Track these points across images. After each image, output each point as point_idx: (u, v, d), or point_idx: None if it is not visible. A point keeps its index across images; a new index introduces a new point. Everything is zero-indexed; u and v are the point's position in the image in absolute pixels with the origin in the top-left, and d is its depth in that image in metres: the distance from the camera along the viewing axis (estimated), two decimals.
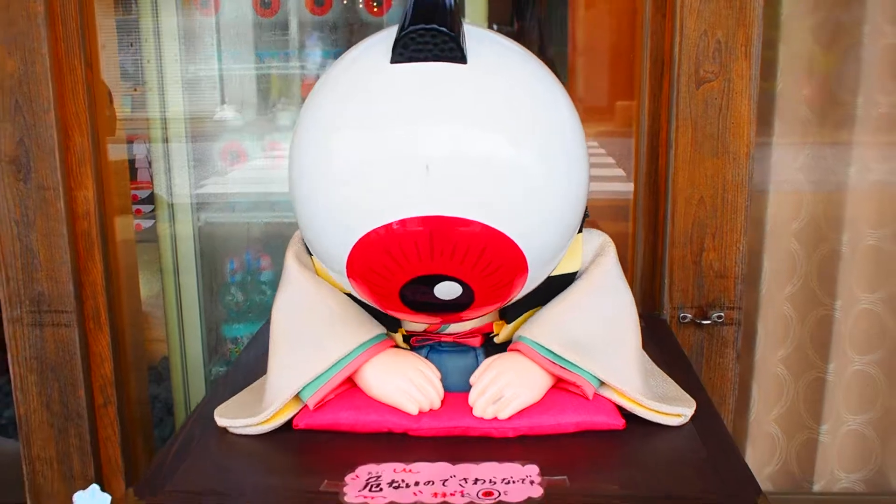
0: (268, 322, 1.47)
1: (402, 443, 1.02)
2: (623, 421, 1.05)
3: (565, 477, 0.94)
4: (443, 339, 1.09)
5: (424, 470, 0.96)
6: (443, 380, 1.06)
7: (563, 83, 1.01)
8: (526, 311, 1.08)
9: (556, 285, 1.07)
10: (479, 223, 0.86)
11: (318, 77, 2.37)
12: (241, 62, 2.38)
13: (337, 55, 2.28)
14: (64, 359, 1.63)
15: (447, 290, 0.91)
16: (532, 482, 0.93)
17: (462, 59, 0.87)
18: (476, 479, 0.93)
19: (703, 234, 1.59)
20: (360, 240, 0.88)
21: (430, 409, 1.04)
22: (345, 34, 2.39)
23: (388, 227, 0.86)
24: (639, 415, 1.06)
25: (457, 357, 1.10)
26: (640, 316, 1.14)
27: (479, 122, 0.87)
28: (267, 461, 1.01)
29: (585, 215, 1.06)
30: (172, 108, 2.16)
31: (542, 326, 1.06)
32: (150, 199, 2.19)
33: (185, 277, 2.19)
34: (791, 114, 1.89)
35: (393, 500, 0.90)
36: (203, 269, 2.21)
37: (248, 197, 2.35)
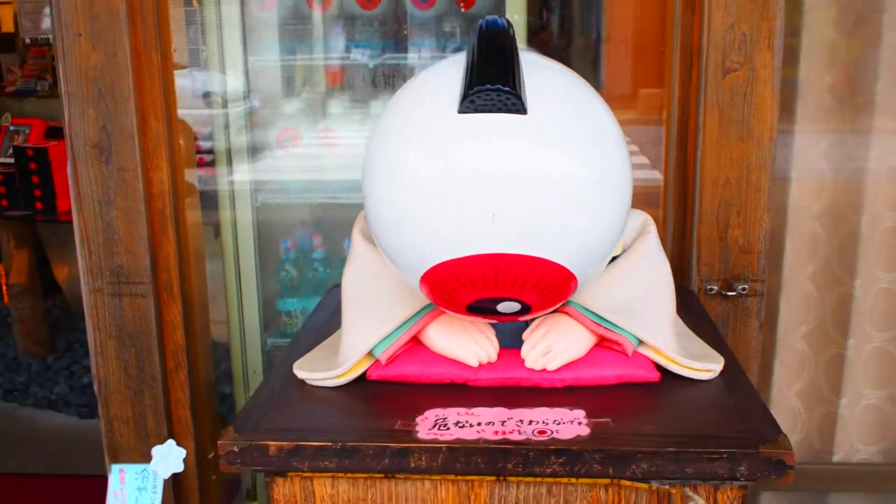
0: (328, 292, 1.61)
1: (462, 392, 1.15)
2: (659, 374, 1.17)
3: (609, 419, 1.07)
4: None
5: (484, 413, 1.09)
6: (496, 337, 1.19)
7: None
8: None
9: None
10: (538, 258, 0.98)
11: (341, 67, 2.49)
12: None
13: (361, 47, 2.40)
14: (140, 326, 1.76)
15: (508, 307, 1.05)
16: (580, 423, 1.06)
17: (523, 110, 0.97)
18: (530, 421, 1.07)
19: (729, 212, 1.70)
20: (432, 268, 1.01)
21: (488, 362, 1.17)
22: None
23: (457, 260, 0.99)
24: (673, 371, 1.18)
25: None
26: None
27: (539, 173, 0.97)
28: (345, 406, 1.15)
29: None
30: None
31: (588, 292, 1.18)
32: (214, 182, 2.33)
33: (243, 255, 2.32)
34: (813, 101, 1.95)
35: (459, 437, 1.03)
36: (259, 247, 2.35)
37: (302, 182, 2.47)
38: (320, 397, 1.17)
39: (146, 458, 1.43)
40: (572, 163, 0.99)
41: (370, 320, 1.19)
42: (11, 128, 3.99)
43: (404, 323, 1.17)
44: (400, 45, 2.49)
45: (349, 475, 1.06)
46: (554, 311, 1.19)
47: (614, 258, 1.22)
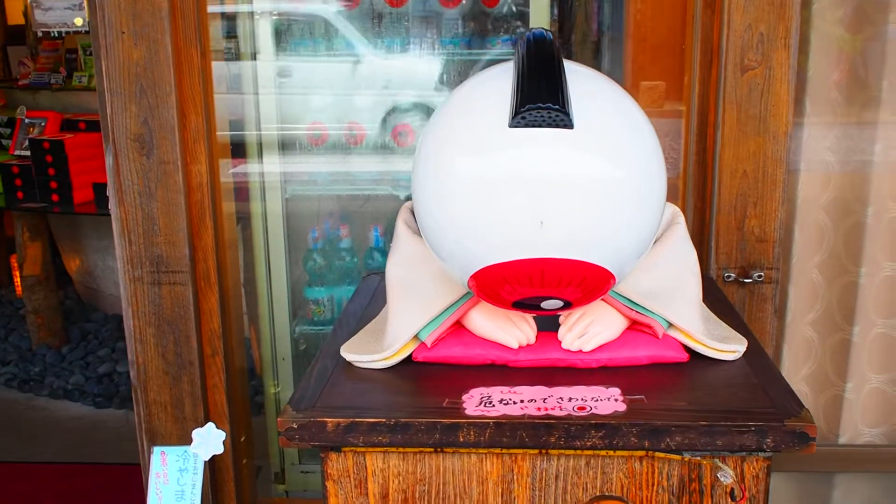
0: (363, 280, 1.68)
1: (503, 372, 1.23)
2: (687, 355, 1.25)
3: (643, 396, 1.14)
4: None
5: (526, 391, 1.16)
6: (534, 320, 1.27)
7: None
8: None
9: None
10: (581, 262, 1.06)
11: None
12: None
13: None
14: (178, 314, 1.83)
15: (551, 304, 1.12)
16: (616, 400, 1.13)
17: (570, 125, 1.04)
18: (570, 398, 1.14)
19: (746, 203, 1.77)
20: (481, 270, 1.08)
21: (527, 345, 1.24)
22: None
23: (506, 263, 1.06)
24: (700, 352, 1.25)
25: None
26: None
27: (585, 182, 1.05)
28: (393, 386, 1.22)
29: None
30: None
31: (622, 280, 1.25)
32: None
33: (273, 244, 2.39)
34: (821, 95, 1.99)
35: (505, 413, 1.10)
36: (289, 237, 2.41)
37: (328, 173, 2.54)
38: (369, 378, 1.24)
39: (183, 441, 1.48)
40: (616, 172, 1.06)
41: (415, 305, 1.26)
42: (27, 120, 4.02)
43: (448, 308, 1.25)
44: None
45: (400, 450, 1.13)
46: None
47: None
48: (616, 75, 2.71)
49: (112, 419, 3.48)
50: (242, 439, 2.05)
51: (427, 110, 2.65)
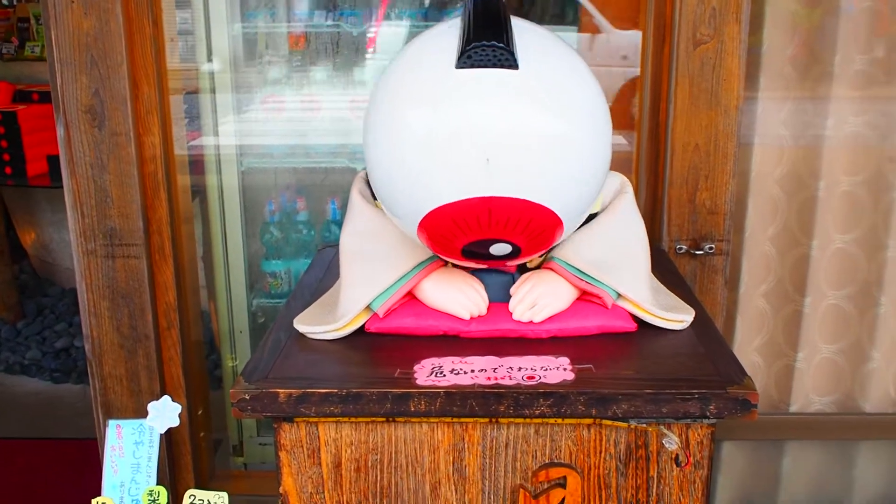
0: (318, 252, 1.68)
1: (455, 343, 1.24)
2: (636, 325, 1.27)
3: (591, 365, 1.16)
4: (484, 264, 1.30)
5: (477, 361, 1.18)
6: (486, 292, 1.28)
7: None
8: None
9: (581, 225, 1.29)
10: (528, 201, 1.07)
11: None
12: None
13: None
14: (133, 287, 1.82)
15: (500, 249, 1.13)
16: (565, 369, 1.15)
17: (515, 66, 1.07)
18: (520, 368, 1.16)
19: (698, 176, 1.79)
20: (430, 212, 1.09)
21: (478, 315, 1.25)
22: None
23: (454, 203, 1.07)
24: (648, 321, 1.28)
25: (496, 275, 1.31)
26: None
27: (530, 121, 1.07)
28: (346, 357, 1.23)
29: None
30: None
31: (570, 249, 1.27)
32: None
33: (230, 217, 2.37)
34: (776, 70, 2.01)
35: (455, 383, 1.12)
36: (245, 210, 2.40)
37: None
38: (322, 349, 1.25)
39: (139, 415, 1.48)
40: (561, 114, 1.09)
41: (368, 276, 1.26)
42: None
43: (401, 278, 1.25)
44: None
45: (352, 420, 1.14)
46: (538, 268, 1.28)
47: (593, 216, 1.31)
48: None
49: (69, 394, 3.46)
50: (200, 412, 2.05)
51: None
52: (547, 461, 1.15)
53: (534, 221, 1.09)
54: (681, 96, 1.74)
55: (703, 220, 1.81)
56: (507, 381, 1.12)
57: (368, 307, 1.26)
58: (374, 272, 1.26)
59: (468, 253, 1.14)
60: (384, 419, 1.14)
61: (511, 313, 1.25)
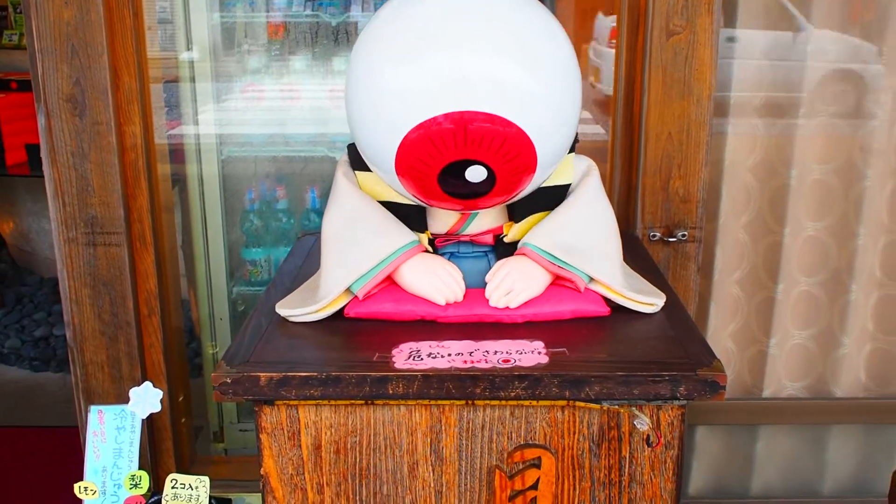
0: (298, 240, 1.70)
1: (432, 328, 1.26)
2: (609, 309, 1.30)
3: (565, 349, 1.19)
4: (462, 238, 1.33)
5: (454, 346, 1.20)
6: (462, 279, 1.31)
7: None
8: (529, 215, 1.33)
9: (553, 194, 1.33)
10: (503, 118, 1.13)
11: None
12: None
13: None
14: (114, 274, 1.83)
15: (476, 174, 1.17)
16: (539, 353, 1.18)
17: None
18: (495, 351, 1.18)
19: (671, 164, 1.83)
20: (410, 132, 1.14)
21: (455, 301, 1.28)
22: None
23: (433, 119, 1.12)
24: (621, 304, 1.31)
25: (472, 261, 1.34)
26: None
27: (504, 41, 1.15)
28: (325, 342, 1.25)
29: (576, 140, 1.31)
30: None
31: (543, 235, 1.30)
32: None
33: (210, 206, 2.39)
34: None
35: (433, 366, 1.14)
36: (226, 199, 2.41)
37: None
38: (302, 334, 1.27)
39: (121, 401, 1.49)
40: (538, 41, 1.18)
41: (349, 259, 1.29)
42: None
43: (381, 262, 1.27)
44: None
45: (332, 402, 1.17)
46: (512, 253, 1.31)
47: (564, 192, 1.35)
48: None
49: (49, 382, 3.46)
50: (181, 399, 2.07)
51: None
52: (522, 442, 1.18)
53: (508, 141, 1.14)
54: (654, 86, 1.78)
55: (676, 207, 1.84)
56: (482, 365, 1.14)
57: (349, 290, 1.28)
58: (354, 256, 1.28)
59: (445, 182, 1.18)
60: (363, 402, 1.17)
61: (487, 299, 1.27)
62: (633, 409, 1.16)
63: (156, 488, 1.46)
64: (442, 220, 1.34)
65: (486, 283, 1.29)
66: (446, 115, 1.12)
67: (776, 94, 2.08)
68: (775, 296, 2.20)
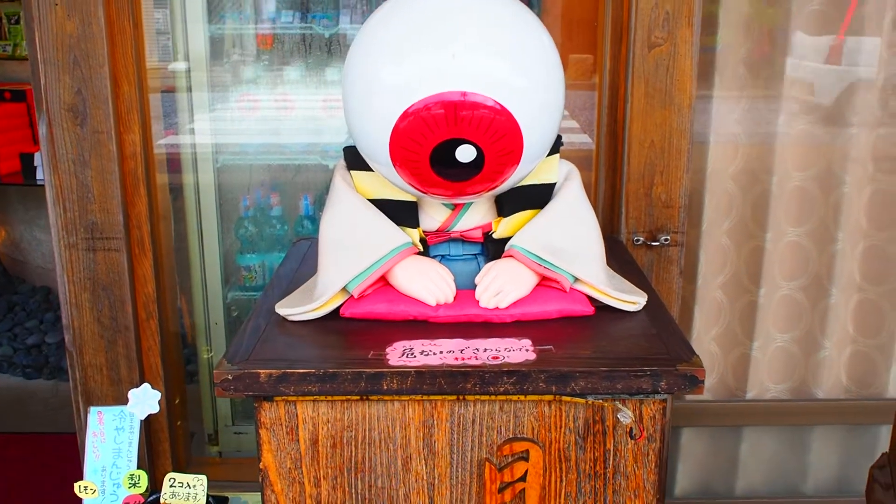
0: (294, 245, 1.75)
1: (425, 327, 1.31)
2: (593, 308, 1.35)
3: (551, 346, 1.24)
4: (452, 235, 1.38)
5: (445, 344, 1.25)
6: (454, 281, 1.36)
7: None
8: (517, 211, 1.38)
9: (540, 192, 1.39)
10: (492, 99, 1.19)
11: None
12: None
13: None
14: (113, 279, 1.88)
15: (465, 154, 1.22)
16: (527, 350, 1.23)
17: None
18: (485, 349, 1.23)
19: (653, 171, 1.89)
20: (401, 116, 1.20)
21: (445, 302, 1.33)
22: None
23: (424, 99, 1.18)
24: (605, 302, 1.36)
25: (463, 264, 1.39)
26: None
27: (492, 32, 1.23)
28: (322, 339, 1.30)
29: (560, 142, 1.37)
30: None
31: (529, 237, 1.35)
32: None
33: (205, 213, 2.43)
34: (729, 71, 2.09)
35: (425, 363, 1.19)
36: (221, 206, 2.46)
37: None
38: (300, 334, 1.32)
39: (119, 403, 1.53)
40: (523, 34, 1.26)
41: (345, 260, 1.34)
42: None
43: (375, 262, 1.32)
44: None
45: (329, 398, 1.21)
46: (501, 252, 1.36)
47: (551, 189, 1.40)
48: None
49: (41, 390, 3.48)
50: (177, 401, 2.11)
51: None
52: (511, 436, 1.23)
53: (496, 121, 1.19)
54: (637, 96, 1.84)
55: (659, 213, 1.89)
56: (473, 361, 1.19)
57: (344, 289, 1.33)
58: (350, 256, 1.33)
59: (437, 161, 1.22)
60: (358, 397, 1.21)
61: (477, 300, 1.32)
62: (617, 403, 1.20)
63: (153, 489, 1.50)
64: (433, 216, 1.39)
65: (475, 285, 1.34)
66: (436, 98, 1.18)
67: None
68: (758, 300, 2.24)
